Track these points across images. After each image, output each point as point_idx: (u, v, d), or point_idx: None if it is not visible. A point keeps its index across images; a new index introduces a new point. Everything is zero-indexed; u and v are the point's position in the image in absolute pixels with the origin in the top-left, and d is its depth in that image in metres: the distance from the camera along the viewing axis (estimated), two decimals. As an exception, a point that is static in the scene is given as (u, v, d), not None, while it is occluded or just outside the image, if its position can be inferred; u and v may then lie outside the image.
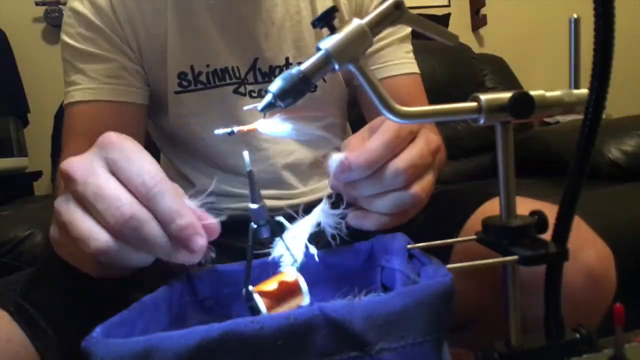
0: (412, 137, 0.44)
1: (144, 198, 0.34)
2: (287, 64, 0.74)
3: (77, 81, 0.69)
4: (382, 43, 0.77)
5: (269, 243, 0.43)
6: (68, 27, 0.70)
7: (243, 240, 0.42)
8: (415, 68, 0.80)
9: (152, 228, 0.34)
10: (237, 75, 0.73)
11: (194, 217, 0.36)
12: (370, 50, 0.61)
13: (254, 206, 0.40)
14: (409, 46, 0.80)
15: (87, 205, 0.35)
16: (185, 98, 0.73)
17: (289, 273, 0.40)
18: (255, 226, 0.41)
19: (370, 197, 0.44)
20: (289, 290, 0.39)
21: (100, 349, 0.26)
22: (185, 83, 0.72)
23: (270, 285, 0.39)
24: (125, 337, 0.27)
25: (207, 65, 0.72)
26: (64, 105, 0.71)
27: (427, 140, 0.45)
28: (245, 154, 0.39)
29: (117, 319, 0.32)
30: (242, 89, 0.73)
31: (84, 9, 0.68)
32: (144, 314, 0.35)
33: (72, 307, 0.52)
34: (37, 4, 1.96)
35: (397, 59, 0.78)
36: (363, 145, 0.42)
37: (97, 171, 0.35)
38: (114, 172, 0.35)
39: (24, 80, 1.86)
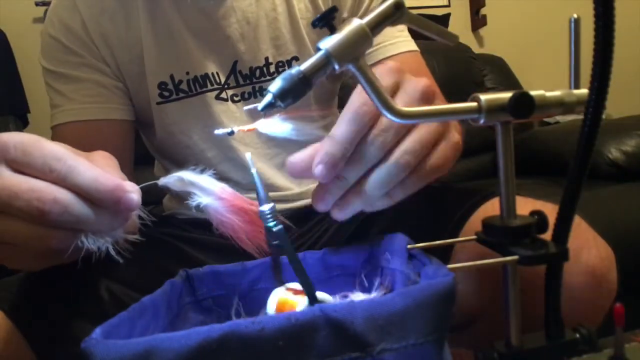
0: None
1: (59, 181, 0.33)
2: (267, 64, 0.72)
3: (59, 104, 0.70)
4: None
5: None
6: (44, 52, 0.70)
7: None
8: (412, 45, 0.75)
9: (79, 205, 0.33)
10: (218, 80, 0.71)
11: (117, 178, 0.34)
12: None
13: (264, 208, 0.38)
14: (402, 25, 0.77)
15: (7, 210, 0.33)
16: (168, 108, 0.71)
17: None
18: (272, 225, 0.39)
19: (358, 183, 0.39)
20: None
21: (100, 350, 0.26)
22: (166, 93, 0.71)
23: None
24: (125, 338, 0.27)
25: (187, 73, 0.70)
26: (51, 129, 0.71)
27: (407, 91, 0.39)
28: (248, 155, 0.39)
29: (116, 320, 0.31)
30: (223, 95, 0.72)
31: (56, 33, 0.69)
32: (143, 314, 0.35)
33: (70, 308, 0.52)
34: (37, 4, 1.96)
35: (392, 38, 0.73)
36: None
37: (1, 175, 0.33)
38: (19, 170, 0.33)
39: (24, 80, 1.85)
